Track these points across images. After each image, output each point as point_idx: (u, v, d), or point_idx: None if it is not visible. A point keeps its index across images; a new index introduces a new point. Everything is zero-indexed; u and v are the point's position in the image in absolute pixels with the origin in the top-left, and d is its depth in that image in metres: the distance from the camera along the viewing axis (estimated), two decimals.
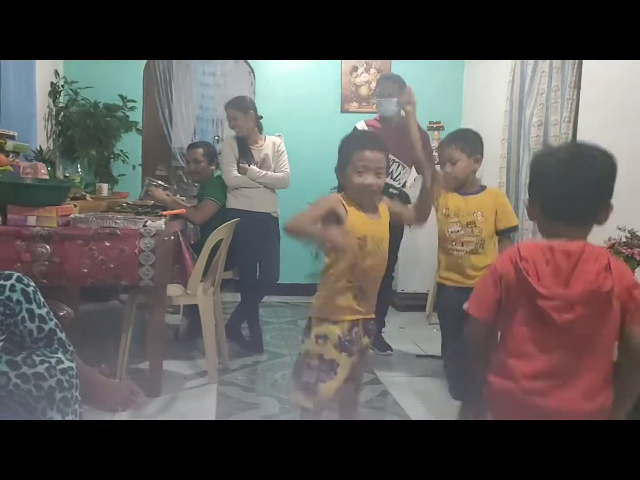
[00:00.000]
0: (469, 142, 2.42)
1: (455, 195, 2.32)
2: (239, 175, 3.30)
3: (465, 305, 1.26)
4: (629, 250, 2.32)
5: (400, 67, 5.00)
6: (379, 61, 5.01)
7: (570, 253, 1.18)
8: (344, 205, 1.68)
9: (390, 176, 3.18)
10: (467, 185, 2.37)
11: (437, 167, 2.59)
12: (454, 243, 2.28)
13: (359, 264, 1.67)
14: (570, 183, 1.21)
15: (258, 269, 3.45)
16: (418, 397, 2.60)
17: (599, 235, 2.64)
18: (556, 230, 1.23)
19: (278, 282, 3.58)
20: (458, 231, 2.27)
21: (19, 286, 1.71)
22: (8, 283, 1.70)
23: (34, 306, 1.72)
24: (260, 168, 3.34)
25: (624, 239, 2.38)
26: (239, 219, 3.09)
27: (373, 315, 1.78)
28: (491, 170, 4.30)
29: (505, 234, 2.36)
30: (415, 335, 3.72)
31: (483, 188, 2.39)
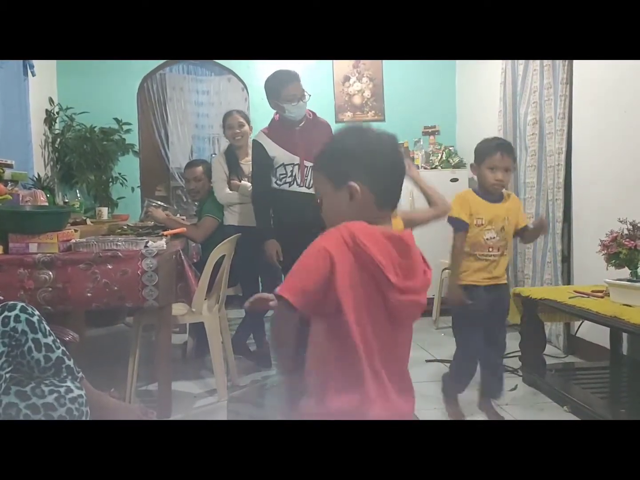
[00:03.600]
0: (515, 156, 2.43)
1: (484, 202, 2.33)
2: (230, 192, 3.31)
3: (277, 289, 1.05)
4: (632, 242, 2.32)
5: (392, 73, 5.04)
6: (370, 70, 5.04)
7: (406, 242, 1.09)
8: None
9: (305, 185, 2.98)
10: (495, 195, 2.37)
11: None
12: (490, 249, 2.33)
13: None
14: (400, 169, 1.14)
15: (260, 284, 3.45)
16: (429, 402, 2.58)
17: (600, 229, 2.63)
18: (382, 217, 1.12)
19: None
20: (494, 237, 2.31)
21: (23, 316, 1.71)
22: (12, 314, 1.70)
23: (39, 335, 1.71)
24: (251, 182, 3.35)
25: (625, 232, 2.37)
26: (239, 234, 3.09)
27: None
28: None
29: (524, 229, 2.44)
30: (423, 340, 3.70)
31: (502, 194, 2.39)
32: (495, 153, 2.27)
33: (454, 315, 2.48)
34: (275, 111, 3.04)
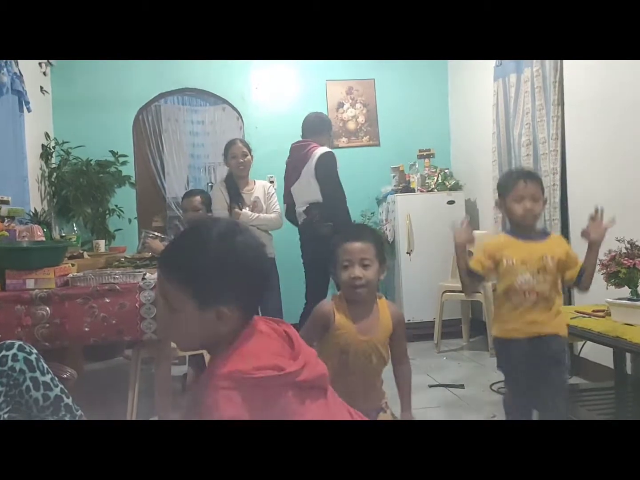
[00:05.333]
0: (542, 184, 2.17)
1: (515, 241, 2.08)
2: None
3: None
4: (630, 260, 2.31)
5: (385, 98, 5.10)
6: (363, 95, 5.09)
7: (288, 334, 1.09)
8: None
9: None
10: (531, 232, 2.12)
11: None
12: (527, 294, 2.02)
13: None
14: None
15: (260, 312, 3.43)
16: None
17: (599, 248, 2.62)
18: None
19: None
20: (530, 280, 2.02)
21: (21, 355, 1.69)
22: (10, 353, 1.68)
23: (37, 374, 1.70)
24: (252, 211, 3.36)
25: (624, 250, 2.37)
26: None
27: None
28: (484, 192, 4.32)
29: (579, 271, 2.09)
30: (425, 365, 3.67)
31: (546, 233, 2.19)
32: (518, 182, 2.05)
33: (507, 371, 2.15)
34: None
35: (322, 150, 3.34)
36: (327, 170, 3.26)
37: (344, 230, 1.90)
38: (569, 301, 3.41)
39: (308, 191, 3.32)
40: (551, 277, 2.03)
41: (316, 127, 3.50)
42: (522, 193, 2.04)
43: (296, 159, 3.43)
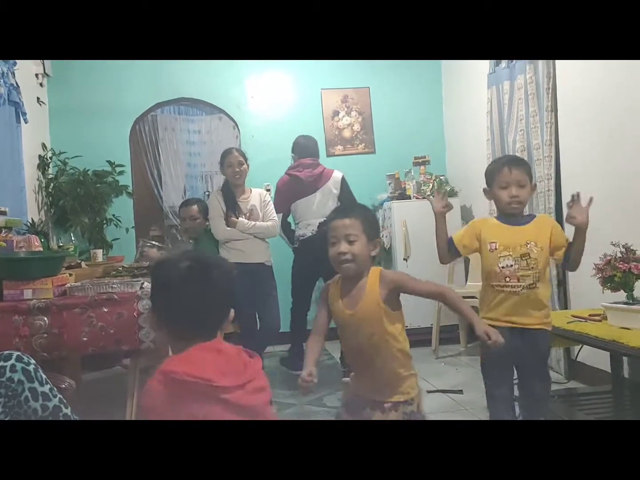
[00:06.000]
0: (530, 170, 2.16)
1: (500, 225, 2.08)
2: (228, 228, 3.33)
3: None
4: (626, 265, 2.33)
5: (380, 106, 5.12)
6: (359, 104, 5.12)
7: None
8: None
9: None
10: (518, 217, 2.11)
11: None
12: (507, 279, 2.01)
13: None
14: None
15: (257, 320, 3.44)
16: None
17: (594, 252, 2.64)
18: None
19: (280, 331, 3.56)
20: (511, 265, 2.01)
21: (19, 366, 1.69)
22: (8, 364, 1.68)
23: (36, 384, 1.70)
24: (248, 219, 3.38)
25: (619, 254, 2.39)
26: (235, 271, 3.09)
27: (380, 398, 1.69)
28: (480, 198, 4.33)
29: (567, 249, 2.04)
30: (423, 370, 3.67)
31: (532, 217, 2.14)
32: (503, 169, 2.05)
33: (482, 356, 2.17)
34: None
35: (339, 173, 3.76)
36: (349, 194, 3.75)
37: (334, 210, 1.91)
38: (565, 305, 3.43)
39: (325, 208, 3.56)
40: (535, 264, 2.00)
41: (311, 149, 3.85)
42: (508, 179, 2.03)
43: (308, 175, 3.64)
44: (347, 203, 3.50)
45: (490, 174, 2.12)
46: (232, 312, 1.30)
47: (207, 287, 1.22)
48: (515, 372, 2.13)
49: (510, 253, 2.01)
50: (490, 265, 2.05)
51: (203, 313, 1.22)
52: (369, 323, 1.68)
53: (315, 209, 3.62)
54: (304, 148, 3.83)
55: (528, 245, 2.01)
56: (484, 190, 2.19)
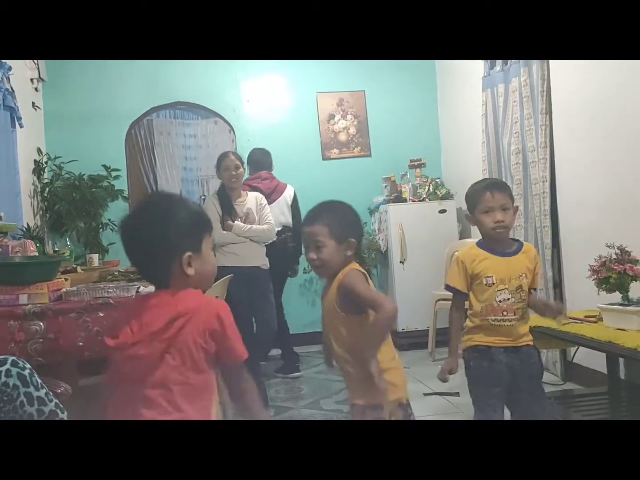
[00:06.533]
0: (511, 192, 2.08)
1: (492, 257, 1.98)
2: (224, 232, 3.33)
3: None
4: (621, 266, 2.34)
5: (375, 110, 5.13)
6: (354, 107, 5.13)
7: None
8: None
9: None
10: (505, 244, 2.02)
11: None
12: (505, 313, 1.94)
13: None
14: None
15: (254, 323, 3.44)
16: None
17: (589, 254, 2.64)
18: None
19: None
20: (508, 299, 1.93)
21: (14, 370, 1.68)
22: (3, 368, 1.67)
23: (31, 389, 1.69)
24: (244, 223, 3.38)
25: (614, 256, 2.40)
26: (232, 275, 3.09)
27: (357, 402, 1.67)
28: None
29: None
30: (420, 373, 3.67)
31: (520, 245, 2.05)
32: (484, 193, 1.96)
33: (468, 378, 2.12)
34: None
35: (292, 188, 4.20)
36: (298, 205, 4.19)
37: (305, 216, 1.89)
38: None
39: (281, 217, 4.04)
40: (525, 295, 1.98)
41: (267, 163, 4.23)
42: (491, 204, 1.95)
43: (267, 187, 4.01)
44: (296, 213, 4.08)
45: (472, 199, 2.03)
46: (185, 256, 1.27)
47: (142, 228, 1.26)
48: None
49: (507, 286, 1.94)
50: (486, 300, 1.96)
51: (138, 257, 1.30)
52: (334, 323, 1.68)
53: (274, 218, 3.81)
54: (260, 162, 4.19)
55: (521, 277, 1.95)
56: (466, 216, 2.12)
